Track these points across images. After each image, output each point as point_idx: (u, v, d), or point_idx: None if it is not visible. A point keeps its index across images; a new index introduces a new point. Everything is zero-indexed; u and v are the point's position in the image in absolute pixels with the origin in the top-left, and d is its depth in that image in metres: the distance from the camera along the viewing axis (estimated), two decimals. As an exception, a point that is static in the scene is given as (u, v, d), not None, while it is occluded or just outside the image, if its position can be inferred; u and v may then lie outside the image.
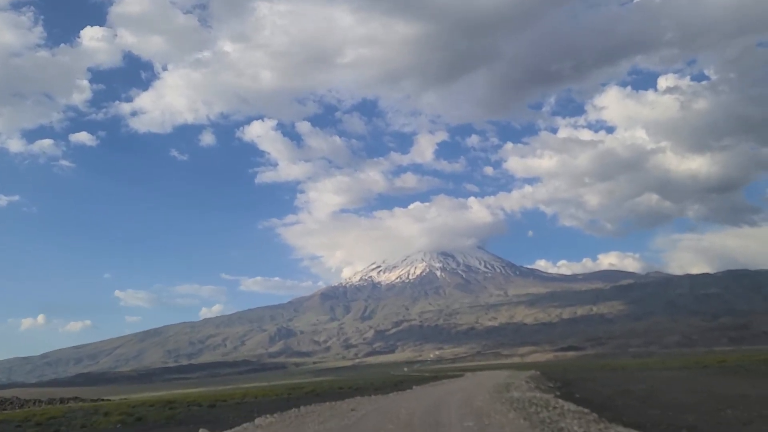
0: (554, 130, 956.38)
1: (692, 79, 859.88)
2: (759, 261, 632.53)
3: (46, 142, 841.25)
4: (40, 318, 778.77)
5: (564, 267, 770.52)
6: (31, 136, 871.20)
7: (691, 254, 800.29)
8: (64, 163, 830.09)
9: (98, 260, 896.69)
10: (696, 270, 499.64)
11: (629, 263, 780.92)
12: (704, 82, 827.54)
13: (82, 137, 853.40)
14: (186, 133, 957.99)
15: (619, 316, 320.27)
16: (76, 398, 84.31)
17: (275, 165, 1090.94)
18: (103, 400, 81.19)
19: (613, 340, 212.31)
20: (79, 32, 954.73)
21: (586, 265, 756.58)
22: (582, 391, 24.96)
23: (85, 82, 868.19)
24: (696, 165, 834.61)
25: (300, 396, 34.02)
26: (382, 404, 20.86)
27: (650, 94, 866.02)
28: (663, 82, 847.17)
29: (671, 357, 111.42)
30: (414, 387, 37.74)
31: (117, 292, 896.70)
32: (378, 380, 62.22)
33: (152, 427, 16.20)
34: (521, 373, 52.72)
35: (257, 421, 15.31)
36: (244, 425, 14.37)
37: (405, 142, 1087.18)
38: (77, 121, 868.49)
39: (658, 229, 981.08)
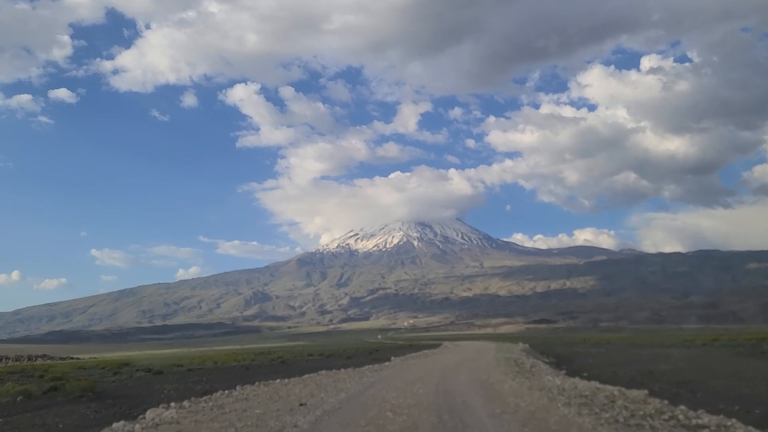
0: (537, 106, 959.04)
1: (675, 61, 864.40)
2: (730, 242, 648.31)
3: (25, 98, 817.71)
4: (15, 274, 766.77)
5: (540, 241, 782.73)
6: (8, 90, 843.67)
7: (664, 233, 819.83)
8: (43, 119, 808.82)
9: (75, 219, 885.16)
10: (668, 249, 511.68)
11: (604, 240, 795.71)
12: (687, 64, 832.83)
13: (62, 94, 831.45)
14: (168, 93, 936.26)
15: (592, 291, 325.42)
16: (44, 356, 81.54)
17: (257, 129, 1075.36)
18: (71, 358, 78.54)
19: (585, 315, 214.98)
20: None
21: (562, 240, 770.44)
22: (589, 370, 20.55)
23: (66, 38, 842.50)
24: (674, 146, 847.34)
25: (263, 364, 30.88)
26: (352, 392, 14.09)
27: (633, 74, 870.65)
28: (646, 62, 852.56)
29: (642, 333, 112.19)
30: (392, 359, 31.31)
31: (93, 251, 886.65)
32: (351, 348, 59.79)
33: (56, 402, 13.03)
34: (508, 345, 47.30)
35: (148, 415, 10.85)
36: (120, 424, 9.97)
37: (388, 111, 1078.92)
38: (57, 77, 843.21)
39: (634, 207, 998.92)
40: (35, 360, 70.63)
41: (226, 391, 14.57)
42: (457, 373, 19.88)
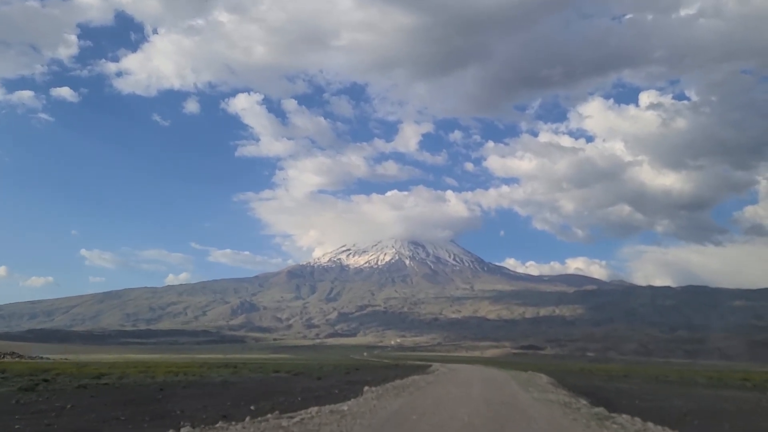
0: (535, 134, 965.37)
1: (674, 98, 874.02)
2: (719, 279, 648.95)
3: (27, 94, 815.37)
4: (2, 270, 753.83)
5: (532, 267, 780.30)
6: (11, 85, 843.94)
7: (655, 266, 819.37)
8: (43, 116, 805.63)
9: (67, 217, 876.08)
10: (658, 282, 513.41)
11: (595, 270, 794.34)
12: (685, 102, 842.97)
13: (64, 92, 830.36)
14: (170, 98, 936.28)
15: (580, 320, 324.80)
16: (13, 353, 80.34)
17: (257, 140, 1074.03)
18: (41, 358, 77.26)
19: (573, 343, 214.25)
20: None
21: (553, 268, 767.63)
22: (673, 423, 14.21)
23: (73, 38, 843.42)
24: (670, 181, 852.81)
25: (199, 381, 26.87)
26: None
27: (632, 109, 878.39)
28: (645, 98, 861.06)
29: (631, 365, 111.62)
30: (366, 389, 20.52)
31: (83, 251, 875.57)
32: (329, 364, 56.97)
33: None
34: (525, 375, 36.84)
35: None
36: None
37: (390, 130, 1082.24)
38: (61, 75, 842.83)
39: (627, 239, 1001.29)
40: (3, 357, 69.85)
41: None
42: None
